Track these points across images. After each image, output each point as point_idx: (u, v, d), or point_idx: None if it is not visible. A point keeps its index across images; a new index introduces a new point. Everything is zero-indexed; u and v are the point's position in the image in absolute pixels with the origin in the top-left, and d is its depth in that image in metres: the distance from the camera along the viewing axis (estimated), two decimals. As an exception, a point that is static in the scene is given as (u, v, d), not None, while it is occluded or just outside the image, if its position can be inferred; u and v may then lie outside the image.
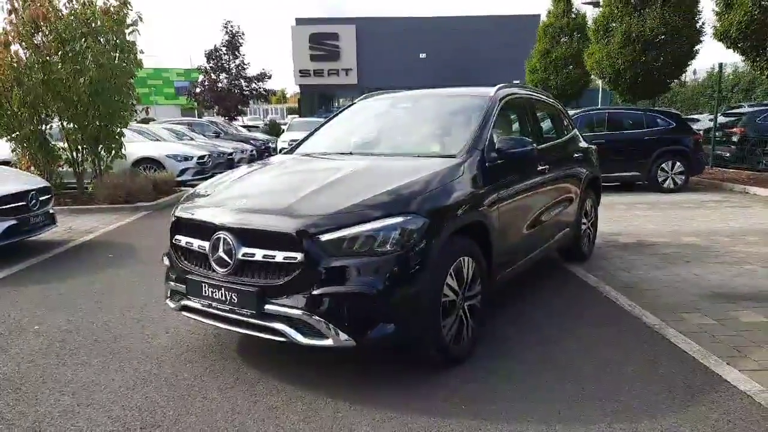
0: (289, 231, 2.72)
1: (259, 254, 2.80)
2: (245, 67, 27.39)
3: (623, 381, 2.97)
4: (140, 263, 5.63)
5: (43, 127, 9.12)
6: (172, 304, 3.27)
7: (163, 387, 2.98)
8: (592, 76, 20.06)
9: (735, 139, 13.46)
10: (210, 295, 2.95)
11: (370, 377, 3.06)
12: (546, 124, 4.99)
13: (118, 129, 9.61)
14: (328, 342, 2.71)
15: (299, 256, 2.70)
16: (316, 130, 4.61)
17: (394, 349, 3.16)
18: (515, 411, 2.69)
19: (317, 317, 2.69)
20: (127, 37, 9.27)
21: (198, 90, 27.97)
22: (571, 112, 11.05)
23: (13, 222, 5.57)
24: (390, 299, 2.73)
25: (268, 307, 2.78)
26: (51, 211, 6.28)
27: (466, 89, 4.40)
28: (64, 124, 9.31)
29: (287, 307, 2.74)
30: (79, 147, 9.61)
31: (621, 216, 8.01)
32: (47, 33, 8.60)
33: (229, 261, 2.86)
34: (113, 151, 9.68)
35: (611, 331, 3.66)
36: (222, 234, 2.90)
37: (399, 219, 2.79)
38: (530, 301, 4.28)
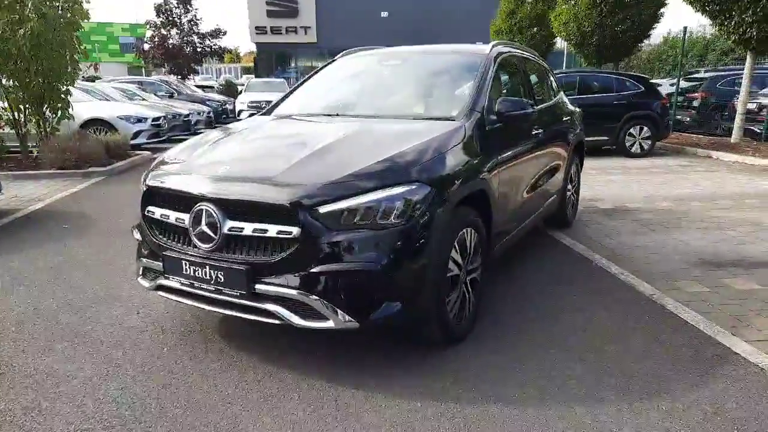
0: (283, 202, 2.42)
1: (248, 228, 2.49)
2: (197, 22, 25.95)
3: (630, 355, 2.86)
4: (99, 234, 5.19)
5: (-20, 85, 8.28)
6: (145, 283, 2.94)
7: (141, 376, 2.68)
8: (557, 39, 19.98)
9: (696, 104, 13.67)
10: (191, 273, 2.64)
11: (369, 359, 2.84)
12: (539, 86, 4.77)
13: (64, 87, 8.85)
14: (329, 324, 2.46)
15: (295, 230, 2.41)
16: (294, 89, 4.24)
17: (396, 329, 2.94)
18: (529, 393, 2.53)
19: (316, 297, 2.43)
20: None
21: (147, 46, 26.40)
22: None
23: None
24: (395, 276, 2.50)
25: (259, 286, 2.50)
26: (-6, 179, 5.70)
27: (459, 46, 4.10)
28: (3, 81, 8.50)
29: (282, 287, 2.47)
30: (21, 107, 8.83)
31: (594, 181, 7.97)
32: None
33: (214, 236, 2.55)
34: (59, 112, 8.94)
35: (607, 302, 3.55)
36: (204, 205, 2.57)
37: (402, 188, 2.53)
38: (520, 272, 4.13)
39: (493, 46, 3.90)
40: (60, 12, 8.20)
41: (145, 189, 2.89)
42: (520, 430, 2.27)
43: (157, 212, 2.81)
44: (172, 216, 2.73)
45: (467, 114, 3.24)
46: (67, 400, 2.49)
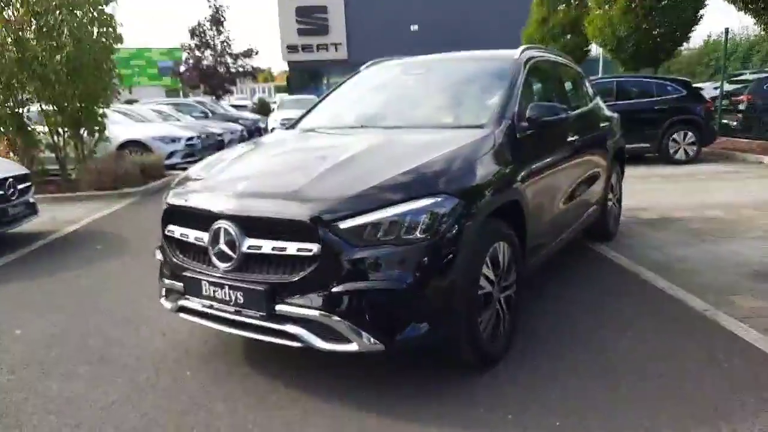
0: (302, 218, 2.30)
1: (267, 246, 2.39)
2: (230, 43, 26.49)
3: (686, 378, 2.61)
4: (131, 255, 5.20)
5: (21, 110, 8.53)
6: (167, 305, 2.86)
7: (162, 400, 2.59)
8: (591, 46, 19.55)
9: (742, 107, 13.06)
10: (211, 294, 2.54)
11: (398, 383, 2.67)
12: (573, 92, 4.57)
13: (101, 110, 9.05)
14: (353, 347, 2.32)
15: (315, 247, 2.29)
16: (318, 102, 4.15)
17: (425, 351, 2.77)
18: (570, 424, 2.32)
19: (339, 318, 2.29)
20: (106, 10, 8.65)
21: (182, 69, 27.08)
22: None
23: (-8, 213, 5.11)
24: (422, 294, 2.34)
25: (279, 307, 2.38)
26: (31, 200, 5.81)
27: (486, 52, 3.95)
28: (43, 105, 8.75)
29: (303, 308, 2.34)
30: (60, 130, 9.06)
31: (637, 189, 7.60)
32: (18, 6, 7.98)
33: (233, 255, 2.45)
34: (96, 134, 9.13)
35: (656, 320, 3.29)
36: (223, 223, 2.47)
37: (428, 201, 2.38)
38: (560, 289, 3.89)
39: (522, 51, 3.73)
40: (95, 37, 8.39)
41: (165, 207, 2.82)
42: (563, 463, 2.07)
43: (177, 231, 2.74)
44: (192, 235, 2.64)
45: (496, 121, 3.08)
46: (87, 428, 2.41)
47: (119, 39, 8.93)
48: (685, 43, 15.68)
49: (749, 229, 5.31)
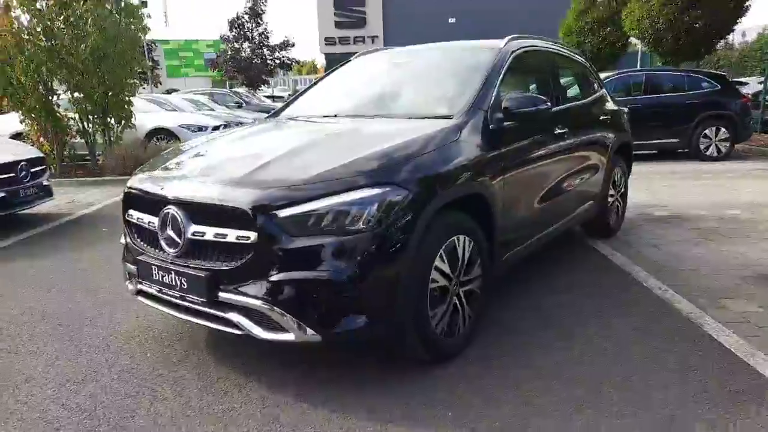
0: (240, 205, 2.28)
1: (210, 233, 2.38)
2: (268, 35, 26.79)
3: (651, 385, 2.48)
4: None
5: (51, 97, 8.84)
6: (130, 287, 2.90)
7: (114, 383, 2.63)
8: (631, 39, 18.86)
9: (787, 102, 12.38)
10: (160, 279, 2.56)
11: (342, 373, 2.64)
12: (570, 83, 4.40)
13: (127, 98, 9.30)
14: (290, 336, 2.30)
15: (253, 235, 2.27)
16: (305, 90, 4.13)
17: (370, 343, 2.72)
18: (512, 426, 2.23)
19: (275, 307, 2.27)
20: (132, 1, 8.86)
21: (221, 60, 27.58)
22: (603, 75, 10.28)
23: (1, 194, 5.31)
24: (362, 287, 2.28)
25: (222, 294, 2.37)
26: (45, 183, 6.02)
27: (475, 42, 3.83)
28: (73, 93, 9.05)
29: (243, 296, 2.33)
30: (89, 117, 9.36)
31: (657, 186, 7.33)
32: (49, -4, 8.27)
33: (179, 240, 2.46)
34: (123, 121, 9.40)
35: (636, 322, 3.14)
36: (171, 209, 2.48)
37: (375, 191, 2.32)
38: (544, 285, 3.76)
39: (509, 40, 3.60)
40: (120, 27, 8.60)
41: (125, 191, 2.86)
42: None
43: (135, 215, 2.77)
44: (146, 219, 2.67)
45: (467, 112, 2.98)
46: (36, 405, 2.46)
47: (145, 30, 9.15)
48: (738, 37, 14.95)
49: (765, 230, 5.01)
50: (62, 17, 8.33)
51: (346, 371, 2.67)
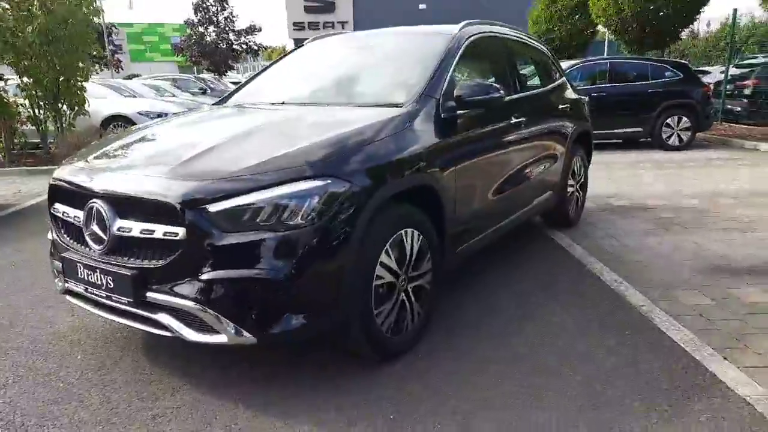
0: (167, 199, 2.13)
1: (136, 229, 2.22)
2: (234, 19, 26.17)
3: (597, 379, 2.43)
4: (78, 230, 5.07)
5: (-1, 83, 8.43)
6: (58, 285, 2.71)
7: (37, 387, 2.46)
8: (599, 27, 19.00)
9: (747, 92, 12.59)
10: (86, 277, 2.39)
11: (282, 375, 2.52)
12: (528, 71, 4.32)
13: (79, 83, 8.91)
14: (223, 339, 2.16)
15: (181, 231, 2.12)
16: (255, 75, 3.95)
17: (312, 342, 2.61)
18: (452, 425, 2.15)
19: (205, 308, 2.13)
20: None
21: (184, 44, 26.86)
22: (569, 63, 10.30)
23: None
24: (300, 286, 2.16)
25: (150, 294, 2.22)
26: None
27: (430, 27, 3.71)
28: (21, 78, 8.63)
29: (171, 296, 2.18)
30: (40, 103, 8.96)
31: (619, 176, 7.37)
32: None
33: (104, 236, 2.29)
34: (75, 108, 9.02)
35: (586, 314, 3.10)
36: (96, 202, 2.31)
37: (315, 183, 2.19)
38: (500, 276, 3.71)
39: (464, 26, 3.48)
40: (71, 8, 8.21)
41: (50, 183, 2.66)
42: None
43: (60, 209, 2.58)
44: (71, 213, 2.49)
45: (417, 100, 2.86)
46: (-50, 413, 2.29)
47: (96, 12, 8.75)
48: (703, 26, 15.14)
49: (720, 219, 5.05)
50: (8, -2, 7.91)
51: (285, 370, 2.55)
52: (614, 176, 7.35)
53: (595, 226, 4.94)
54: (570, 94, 4.82)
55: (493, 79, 3.71)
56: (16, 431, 2.16)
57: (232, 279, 2.13)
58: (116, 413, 2.26)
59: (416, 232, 2.64)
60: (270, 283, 2.13)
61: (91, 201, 2.33)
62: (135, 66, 45.37)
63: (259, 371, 2.54)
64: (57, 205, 2.61)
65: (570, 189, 4.70)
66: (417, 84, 2.98)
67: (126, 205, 2.26)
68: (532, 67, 4.42)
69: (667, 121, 9.66)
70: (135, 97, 12.79)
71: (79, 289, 2.47)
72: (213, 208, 2.11)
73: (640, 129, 9.75)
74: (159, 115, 11.20)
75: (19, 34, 7.86)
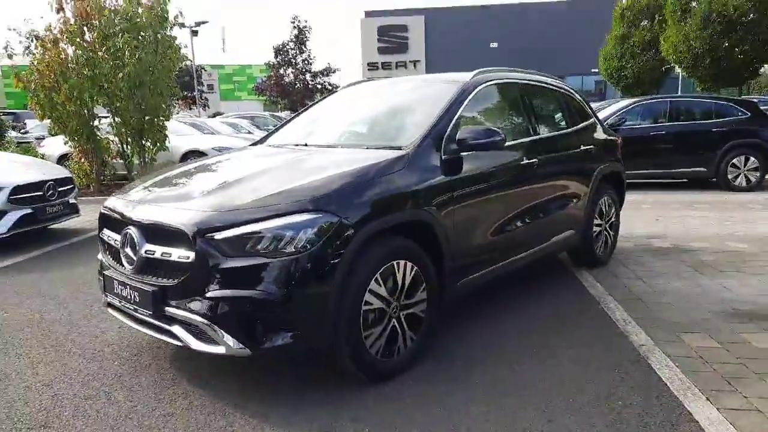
0: (181, 227, 2.52)
1: (159, 251, 2.63)
2: (311, 61, 27.77)
3: (569, 411, 2.53)
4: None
5: (92, 122, 9.53)
6: (103, 299, 3.18)
7: (77, 386, 2.89)
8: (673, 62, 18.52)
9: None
10: (119, 292, 2.83)
11: (288, 384, 2.81)
12: (547, 115, 4.48)
13: (162, 122, 9.91)
14: (221, 349, 2.50)
15: (191, 254, 2.49)
16: (294, 116, 4.40)
17: (299, 359, 2.88)
18: (421, 440, 2.34)
19: (207, 322, 2.48)
20: (169, 33, 9.50)
21: (265, 85, 28.71)
22: (627, 101, 10.19)
23: (28, 211, 5.81)
24: (290, 306, 2.46)
25: (168, 309, 2.61)
26: (72, 201, 6.51)
27: (449, 75, 3.99)
28: (113, 117, 9.73)
29: (182, 310, 2.56)
30: (128, 140, 10.02)
31: (670, 216, 7.20)
32: (93, 29, 8.98)
33: (134, 257, 2.72)
34: (157, 144, 10.00)
35: (587, 351, 3.18)
36: (129, 228, 2.76)
37: (307, 216, 2.51)
38: (509, 311, 3.83)
39: (476, 74, 3.75)
40: (156, 57, 9.23)
41: (100, 211, 3.15)
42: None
43: (106, 233, 3.06)
44: (113, 237, 2.95)
45: (420, 143, 3.14)
46: (5, 402, 2.74)
47: (180, 59, 9.76)
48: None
49: (762, 264, 4.88)
50: (104, 48, 9.01)
51: (287, 382, 2.83)
52: (665, 216, 7.20)
53: (625, 266, 4.92)
54: (599, 134, 4.91)
55: (504, 124, 3.92)
56: (54, 419, 2.57)
57: (230, 297, 2.47)
58: (135, 410, 2.63)
59: (409, 264, 2.88)
60: (264, 302, 2.44)
61: (126, 227, 2.78)
62: (224, 104, 48.72)
63: (265, 381, 2.84)
64: (104, 230, 3.09)
65: (597, 228, 4.75)
66: (422, 128, 3.26)
67: (152, 231, 2.68)
68: (554, 110, 4.57)
69: (734, 161, 9.29)
70: (213, 134, 13.91)
71: (116, 302, 2.91)
72: (219, 236, 2.47)
73: (703, 169, 9.43)
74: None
75: (112, 80, 8.91)
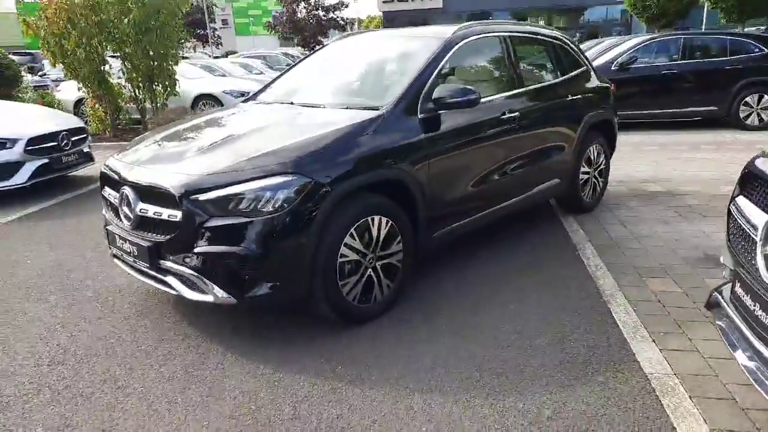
0: (169, 189, 2.77)
1: (151, 211, 2.89)
2: (324, -5, 27.12)
3: (529, 352, 2.80)
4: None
5: (103, 67, 9.68)
6: (109, 251, 3.49)
7: (91, 328, 3.25)
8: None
9: None
10: (121, 245, 3.12)
11: (265, 330, 3.13)
12: (534, 66, 4.53)
13: (171, 67, 10.01)
14: (210, 298, 2.80)
15: (179, 214, 2.75)
16: (284, 72, 4.53)
17: (285, 307, 3.18)
18: (396, 376, 2.65)
19: (197, 274, 2.77)
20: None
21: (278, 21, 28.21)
22: (638, 39, 9.93)
23: (45, 161, 6.12)
24: (270, 260, 2.73)
25: (162, 261, 2.90)
26: (86, 150, 6.80)
27: (430, 29, 4.07)
28: (123, 63, 9.87)
29: (175, 263, 2.85)
30: (139, 85, 10.18)
31: (671, 159, 7.23)
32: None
33: (131, 215, 2.99)
34: (167, 89, 10.15)
35: (553, 295, 3.42)
36: (125, 188, 3.02)
37: (283, 179, 2.72)
38: (487, 257, 4.06)
39: (458, 29, 3.81)
40: (159, 1, 9.22)
41: (100, 171, 3.41)
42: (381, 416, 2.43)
43: (107, 191, 3.33)
44: (113, 195, 3.22)
45: (396, 102, 3.28)
46: (28, 340, 3.11)
47: (184, 3, 9.73)
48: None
49: (749, 209, 4.98)
50: (108, -7, 9.04)
51: (278, 326, 3.16)
52: (668, 158, 7.23)
53: (612, 212, 5.08)
54: (591, 83, 4.95)
55: (486, 78, 4.01)
56: (72, 355, 2.94)
57: (216, 253, 2.74)
58: (140, 349, 2.99)
59: (384, 219, 3.10)
60: (246, 257, 2.71)
61: (123, 187, 3.04)
62: (239, 39, 47.97)
63: (258, 326, 3.17)
64: (105, 188, 3.36)
65: (584, 176, 4.88)
66: (399, 87, 3.40)
67: (144, 192, 2.93)
68: (541, 61, 4.61)
69: (746, 99, 9.12)
70: (224, 76, 13.95)
71: (118, 253, 3.21)
72: (202, 197, 2.72)
73: (714, 108, 9.28)
74: (241, 94, 12.22)
75: (119, 26, 8.99)
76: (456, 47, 3.69)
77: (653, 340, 2.86)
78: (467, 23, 3.91)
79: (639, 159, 7.26)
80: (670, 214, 4.96)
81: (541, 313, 3.20)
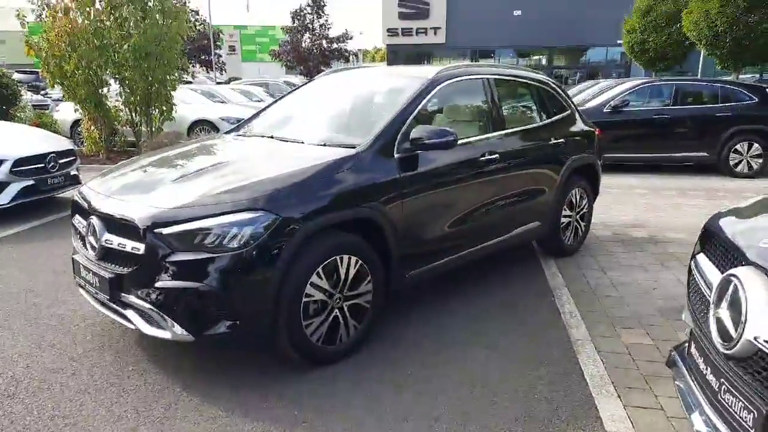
0: (135, 221, 2.74)
1: (116, 242, 2.86)
2: (328, 27, 27.56)
3: (492, 408, 2.73)
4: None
5: (101, 90, 9.77)
6: (75, 279, 3.44)
7: (48, 359, 3.17)
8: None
9: None
10: (84, 275, 3.08)
11: (226, 367, 3.06)
12: (515, 109, 4.56)
13: (168, 92, 10.11)
14: (167, 334, 2.74)
15: (142, 247, 2.72)
16: (267, 106, 4.56)
17: (244, 343, 3.11)
18: (353, 427, 2.58)
19: (155, 309, 2.72)
20: (174, 3, 9.60)
21: (281, 50, 28.66)
22: (630, 84, 10.05)
23: (30, 182, 6.11)
24: (231, 298, 2.68)
25: (123, 294, 2.85)
26: (73, 173, 6.79)
27: (413, 69, 4.10)
28: (121, 86, 9.96)
29: (134, 297, 2.80)
30: (136, 108, 10.27)
31: (657, 204, 7.23)
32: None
33: (96, 245, 2.95)
34: (164, 113, 10.23)
35: (523, 345, 3.35)
36: (93, 218, 2.99)
37: (249, 215, 2.70)
38: (464, 297, 4.01)
39: (440, 71, 3.84)
40: (162, 28, 9.37)
41: (73, 199, 3.39)
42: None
43: (77, 219, 3.30)
44: (81, 224, 3.19)
45: (372, 142, 3.28)
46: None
47: (185, 30, 9.89)
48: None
49: (731, 260, 4.94)
50: (112, 19, 9.18)
51: (234, 365, 3.09)
52: (653, 203, 7.23)
53: (593, 257, 5.04)
54: (576, 127, 4.97)
55: (465, 121, 4.03)
56: (22, 391, 2.86)
57: (177, 288, 2.69)
58: (95, 385, 2.91)
59: (354, 258, 3.06)
60: (207, 294, 2.66)
61: (91, 216, 3.01)
62: (245, 66, 48.66)
63: (220, 363, 3.10)
64: (76, 216, 3.33)
65: (566, 220, 4.86)
66: (377, 127, 3.40)
67: (111, 223, 2.91)
68: (523, 105, 4.64)
69: (736, 147, 9.18)
70: (223, 102, 14.07)
71: (83, 283, 3.17)
72: (167, 230, 2.69)
73: (705, 154, 9.34)
74: (238, 120, 12.32)
75: (119, 50, 9.11)
76: (437, 88, 3.71)
77: (618, 396, 2.79)
78: (451, 65, 3.94)
79: (627, 202, 7.26)
80: (651, 261, 4.92)
81: (509, 363, 3.14)
